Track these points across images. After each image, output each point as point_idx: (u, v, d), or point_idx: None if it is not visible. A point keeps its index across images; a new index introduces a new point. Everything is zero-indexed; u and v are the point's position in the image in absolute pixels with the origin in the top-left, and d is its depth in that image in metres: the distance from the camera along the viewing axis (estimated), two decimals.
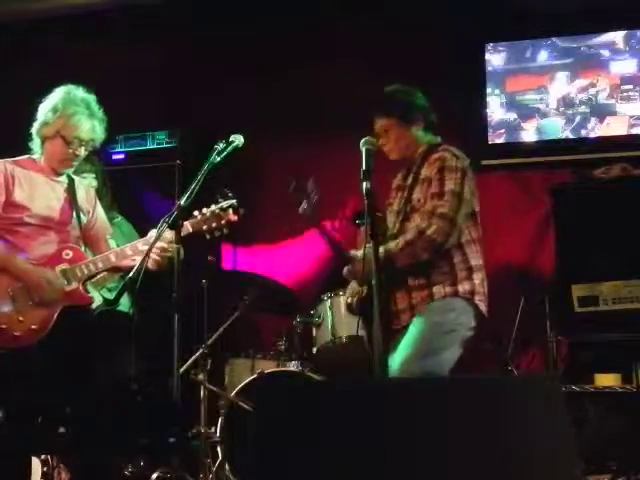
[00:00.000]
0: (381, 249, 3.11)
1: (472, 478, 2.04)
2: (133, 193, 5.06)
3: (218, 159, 3.05)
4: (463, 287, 3.21)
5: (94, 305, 3.92)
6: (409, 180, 3.34)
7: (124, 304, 4.24)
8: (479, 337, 3.29)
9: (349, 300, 3.41)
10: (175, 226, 2.93)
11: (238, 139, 3.13)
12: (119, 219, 4.48)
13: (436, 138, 3.40)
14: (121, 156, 5.20)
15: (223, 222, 3.18)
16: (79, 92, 3.40)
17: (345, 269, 3.33)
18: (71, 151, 3.34)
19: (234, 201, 3.23)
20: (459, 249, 3.24)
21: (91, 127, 3.34)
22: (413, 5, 5.08)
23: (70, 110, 3.32)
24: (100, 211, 3.59)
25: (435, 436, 2.08)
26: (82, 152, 3.38)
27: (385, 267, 3.02)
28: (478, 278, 3.25)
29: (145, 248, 3.17)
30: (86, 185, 3.60)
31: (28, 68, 5.49)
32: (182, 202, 2.93)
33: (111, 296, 3.68)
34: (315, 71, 5.23)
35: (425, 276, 3.22)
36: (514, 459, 2.05)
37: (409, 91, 3.42)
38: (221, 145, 3.08)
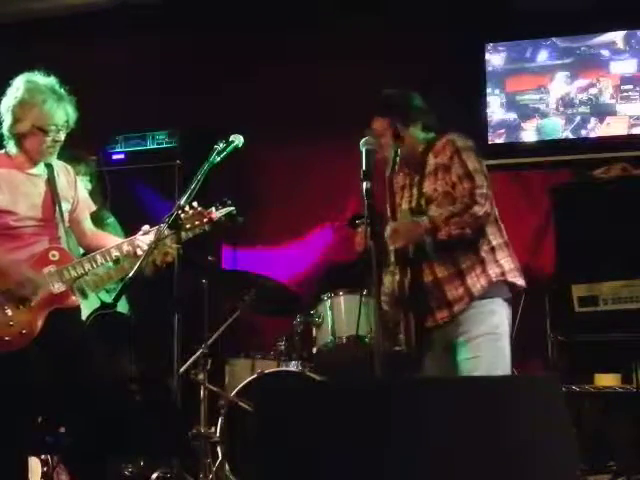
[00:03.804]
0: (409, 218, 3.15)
1: (473, 477, 2.04)
2: (132, 193, 5.06)
3: (218, 159, 3.05)
4: (493, 270, 3.18)
5: (91, 309, 3.93)
6: (416, 178, 3.32)
7: (123, 305, 4.25)
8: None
9: (386, 298, 3.32)
10: (175, 226, 2.93)
11: (238, 139, 3.12)
12: (111, 220, 4.43)
13: (432, 135, 3.38)
14: (121, 156, 5.19)
15: (205, 220, 3.15)
16: (39, 78, 3.24)
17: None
18: (50, 139, 3.19)
19: (232, 209, 3.23)
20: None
21: (63, 111, 3.20)
22: (413, 5, 5.08)
23: (39, 99, 3.16)
24: (81, 190, 3.44)
25: (435, 436, 2.08)
26: (62, 137, 3.24)
27: (431, 235, 3.09)
28: (502, 256, 3.21)
29: (140, 243, 3.16)
30: (64, 166, 3.40)
31: (27, 68, 5.49)
32: (182, 202, 2.93)
33: (109, 298, 3.67)
34: (315, 71, 5.23)
35: (453, 264, 3.18)
36: (514, 459, 2.06)
37: (405, 93, 3.43)
38: (221, 145, 3.07)
